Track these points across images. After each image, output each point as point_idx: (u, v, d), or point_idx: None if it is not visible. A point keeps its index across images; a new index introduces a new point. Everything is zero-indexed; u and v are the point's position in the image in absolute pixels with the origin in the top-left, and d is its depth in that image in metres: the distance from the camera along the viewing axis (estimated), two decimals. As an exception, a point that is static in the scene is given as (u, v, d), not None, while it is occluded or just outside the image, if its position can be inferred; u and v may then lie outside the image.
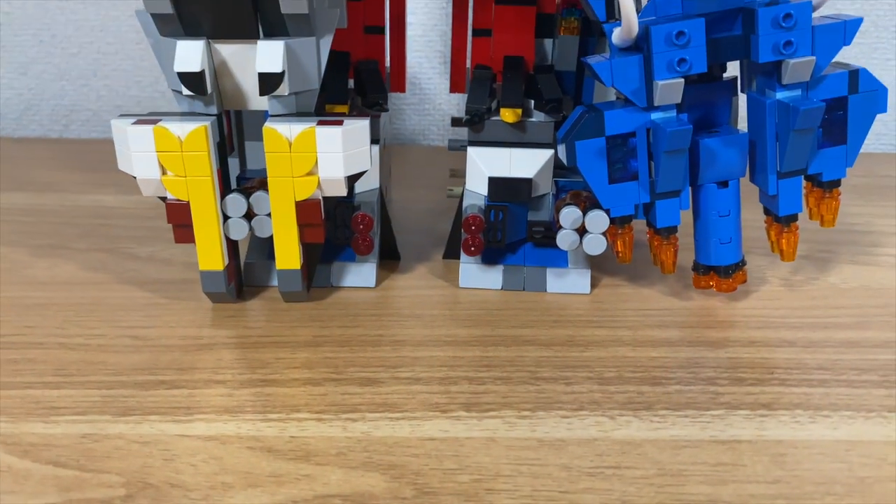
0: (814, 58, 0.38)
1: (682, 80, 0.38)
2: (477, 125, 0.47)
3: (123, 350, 0.39)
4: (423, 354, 0.39)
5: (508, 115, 0.46)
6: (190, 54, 0.38)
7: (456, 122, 0.53)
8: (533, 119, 0.47)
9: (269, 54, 0.38)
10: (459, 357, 0.39)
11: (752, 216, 0.45)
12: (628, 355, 0.40)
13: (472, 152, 0.47)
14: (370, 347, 0.40)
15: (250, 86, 0.40)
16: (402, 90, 0.51)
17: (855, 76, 0.40)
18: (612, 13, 0.41)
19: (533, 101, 0.47)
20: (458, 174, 0.51)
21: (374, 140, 0.46)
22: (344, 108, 0.46)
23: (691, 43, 0.38)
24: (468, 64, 0.50)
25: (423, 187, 0.63)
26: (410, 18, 0.53)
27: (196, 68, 0.38)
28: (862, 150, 0.42)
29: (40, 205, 0.58)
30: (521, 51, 0.48)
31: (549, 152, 0.46)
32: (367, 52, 0.49)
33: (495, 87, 0.48)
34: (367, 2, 0.48)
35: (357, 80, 0.48)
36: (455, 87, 0.51)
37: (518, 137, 0.47)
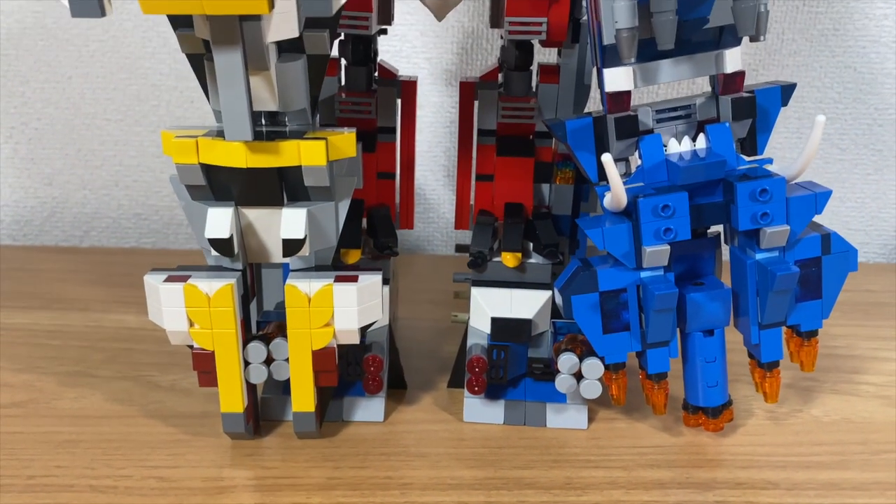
0: (788, 227, 0.42)
1: (668, 246, 0.42)
2: (480, 266, 0.50)
3: (150, 493, 0.42)
4: (429, 500, 0.42)
5: (509, 258, 0.50)
6: (219, 222, 0.42)
7: (460, 248, 0.57)
8: (532, 260, 0.51)
9: (292, 221, 0.42)
10: (464, 503, 0.42)
11: (737, 338, 0.48)
12: (622, 499, 0.42)
13: (476, 293, 0.50)
14: (379, 491, 0.42)
15: (273, 244, 0.44)
16: (411, 227, 0.55)
17: (827, 239, 0.44)
18: (604, 175, 0.45)
19: (532, 244, 0.51)
20: (462, 296, 0.54)
21: (385, 280, 0.49)
22: (357, 253, 0.50)
23: (676, 214, 0.42)
24: (472, 202, 0.54)
25: (428, 302, 0.66)
26: (417, 136, 0.58)
27: (225, 235, 0.41)
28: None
29: (66, 325, 0.61)
30: (521, 198, 0.52)
31: (546, 293, 0.50)
32: (379, 197, 0.52)
33: (497, 226, 0.52)
34: (381, 152, 0.52)
35: (369, 224, 0.52)
36: (459, 224, 0.55)
37: (518, 277, 0.51)
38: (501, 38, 0.51)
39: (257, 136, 0.40)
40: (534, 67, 0.52)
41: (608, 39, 0.41)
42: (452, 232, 0.82)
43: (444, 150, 0.80)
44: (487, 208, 0.53)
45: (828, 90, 0.77)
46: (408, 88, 0.52)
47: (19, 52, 0.75)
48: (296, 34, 0.38)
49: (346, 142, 0.42)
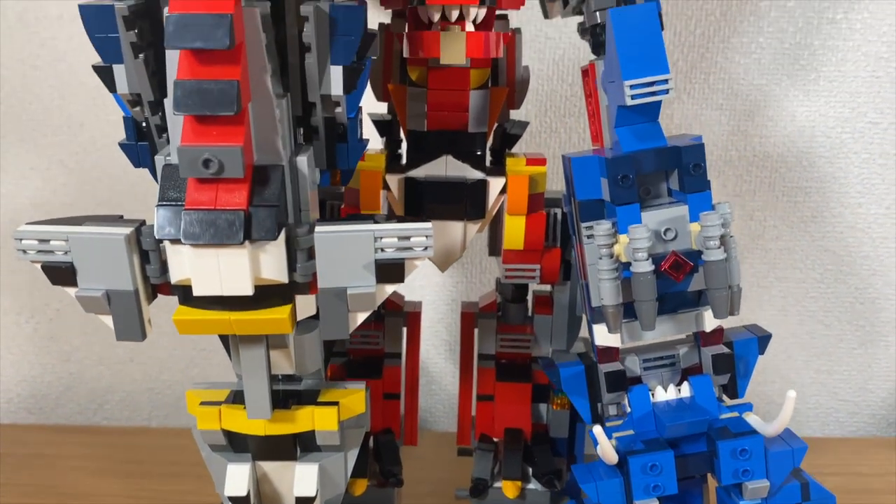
0: (768, 483, 0.45)
1: (657, 500, 0.45)
2: (482, 494, 0.53)
3: None
4: None
5: (509, 488, 0.53)
6: (237, 480, 0.44)
7: (462, 452, 0.59)
8: (531, 486, 0.53)
9: (304, 479, 0.45)
10: None
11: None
12: None
13: (478, 519, 0.53)
14: None
15: (286, 493, 0.46)
16: (415, 443, 0.58)
17: (806, 488, 0.46)
18: (597, 417, 0.48)
19: (531, 469, 0.54)
20: (462, 497, 0.57)
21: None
22: (363, 482, 0.53)
23: (663, 472, 0.45)
24: (472, 415, 0.58)
25: (429, 495, 0.68)
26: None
27: (242, 493, 0.44)
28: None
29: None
30: (520, 423, 0.55)
31: (546, 525, 0.52)
32: (385, 420, 0.56)
33: (497, 447, 0.55)
34: (387, 376, 0.55)
35: (375, 450, 0.55)
36: (461, 441, 0.58)
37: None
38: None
39: (274, 400, 0.44)
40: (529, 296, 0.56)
41: (596, 302, 0.45)
42: (454, 404, 0.85)
43: (446, 325, 0.83)
44: (488, 428, 0.56)
45: (810, 271, 0.81)
46: (413, 319, 0.56)
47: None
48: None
49: (356, 401, 0.45)
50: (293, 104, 0.36)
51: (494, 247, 0.56)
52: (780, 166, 0.79)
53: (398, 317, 0.55)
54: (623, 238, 0.42)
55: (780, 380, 0.83)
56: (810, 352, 0.84)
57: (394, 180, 0.48)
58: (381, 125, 0.52)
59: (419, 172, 0.48)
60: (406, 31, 0.46)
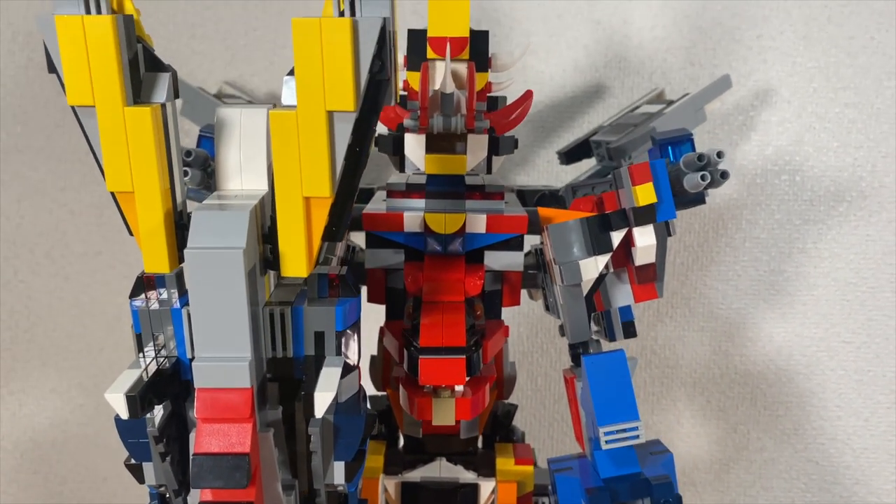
0: None
1: None
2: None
3: None
4: None
5: None
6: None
7: None
8: None
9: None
10: None
11: None
12: None
13: None
14: None
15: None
16: None
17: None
18: None
19: None
20: None
21: None
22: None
23: None
24: None
25: None
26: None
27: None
28: None
29: None
30: None
31: None
32: None
33: None
34: None
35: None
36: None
37: None
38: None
39: None
40: None
41: None
42: None
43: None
44: None
45: (795, 481, 0.84)
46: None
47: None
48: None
49: None
50: (300, 482, 0.40)
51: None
52: (760, 383, 0.83)
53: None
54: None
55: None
56: (800, 557, 0.86)
57: (391, 484, 0.52)
58: (381, 414, 0.56)
59: (415, 475, 0.52)
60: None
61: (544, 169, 0.79)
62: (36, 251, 0.80)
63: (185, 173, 0.47)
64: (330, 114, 0.34)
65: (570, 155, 0.68)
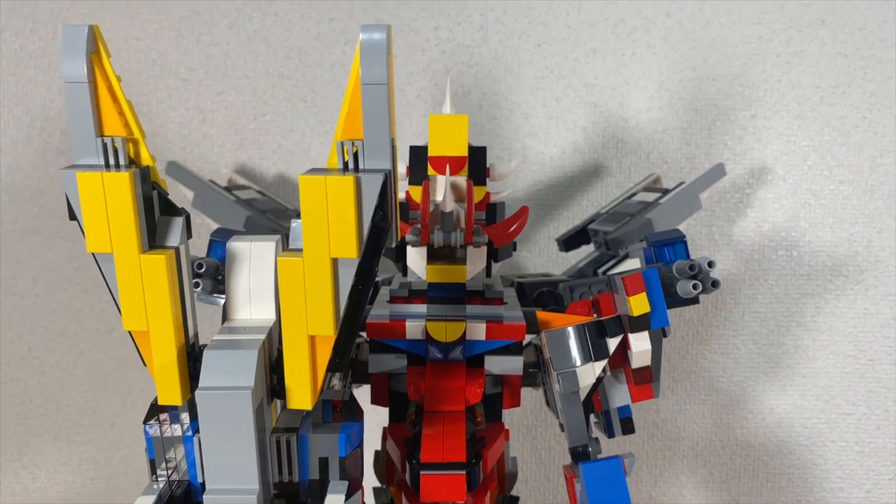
0: None
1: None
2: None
3: None
4: None
5: None
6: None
7: None
8: None
9: None
10: None
11: None
12: None
13: None
14: None
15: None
16: None
17: None
18: None
19: None
20: None
21: None
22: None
23: None
24: None
25: None
26: None
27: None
28: None
29: None
30: None
31: None
32: None
33: None
34: None
35: None
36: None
37: None
38: None
39: None
40: None
41: None
42: None
43: None
44: None
45: (798, 552, 0.85)
46: None
47: None
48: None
49: None
50: None
51: None
52: (762, 454, 0.84)
53: None
54: None
55: None
56: None
57: None
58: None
59: (420, 571, 0.53)
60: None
61: (545, 245, 0.81)
62: (50, 328, 0.82)
63: (197, 284, 0.49)
64: (334, 260, 0.36)
65: (569, 243, 0.69)
